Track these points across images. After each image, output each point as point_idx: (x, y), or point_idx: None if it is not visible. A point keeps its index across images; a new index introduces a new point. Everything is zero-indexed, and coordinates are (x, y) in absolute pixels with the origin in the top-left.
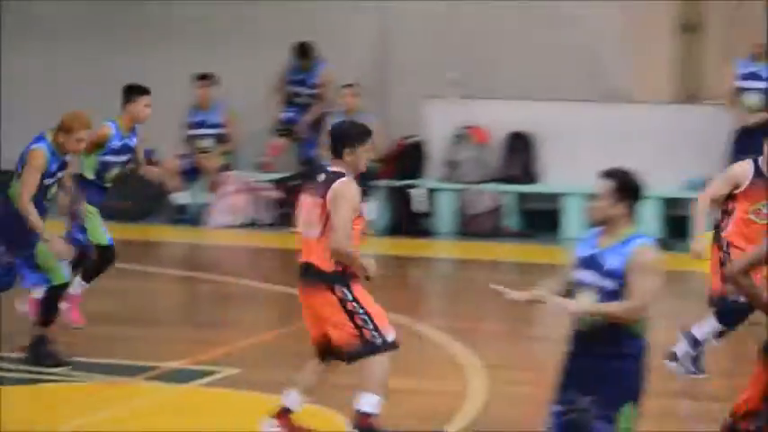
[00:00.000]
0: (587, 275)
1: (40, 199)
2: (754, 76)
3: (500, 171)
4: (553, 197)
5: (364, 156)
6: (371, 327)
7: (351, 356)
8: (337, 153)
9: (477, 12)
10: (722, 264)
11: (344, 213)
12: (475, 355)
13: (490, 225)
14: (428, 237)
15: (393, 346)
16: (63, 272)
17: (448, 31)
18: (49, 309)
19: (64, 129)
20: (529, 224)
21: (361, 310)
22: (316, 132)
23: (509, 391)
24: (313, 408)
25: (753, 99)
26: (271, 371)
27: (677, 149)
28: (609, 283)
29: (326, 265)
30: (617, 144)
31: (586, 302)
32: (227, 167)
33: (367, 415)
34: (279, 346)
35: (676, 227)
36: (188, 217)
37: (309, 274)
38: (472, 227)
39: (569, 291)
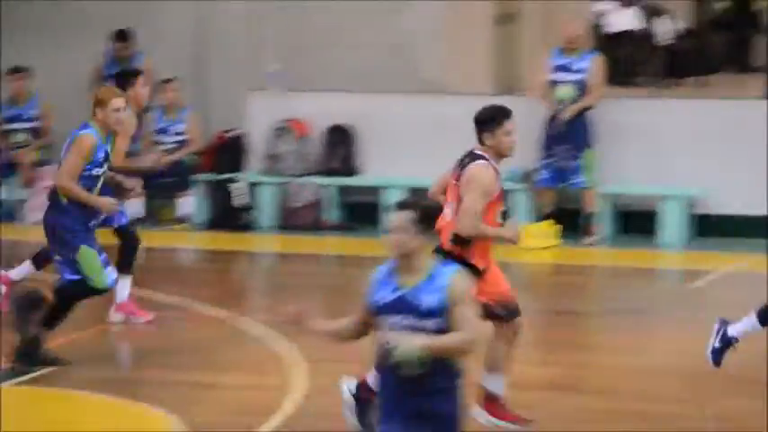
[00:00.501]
0: (400, 320)
1: (91, 191)
2: (565, 69)
3: (321, 164)
4: (373, 190)
5: (505, 139)
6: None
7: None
8: (479, 138)
9: (299, 5)
10: None
11: (474, 199)
12: (296, 349)
13: (311, 218)
14: (249, 231)
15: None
16: (106, 277)
17: (270, 24)
18: (65, 310)
19: (99, 104)
20: (350, 217)
21: None
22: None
23: (330, 385)
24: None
25: (564, 91)
26: (85, 369)
27: None
28: (430, 324)
29: (448, 247)
30: (436, 136)
31: (426, 340)
32: (43, 162)
33: (494, 396)
34: (93, 344)
35: None
36: (3, 213)
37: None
38: (293, 220)
39: (381, 341)
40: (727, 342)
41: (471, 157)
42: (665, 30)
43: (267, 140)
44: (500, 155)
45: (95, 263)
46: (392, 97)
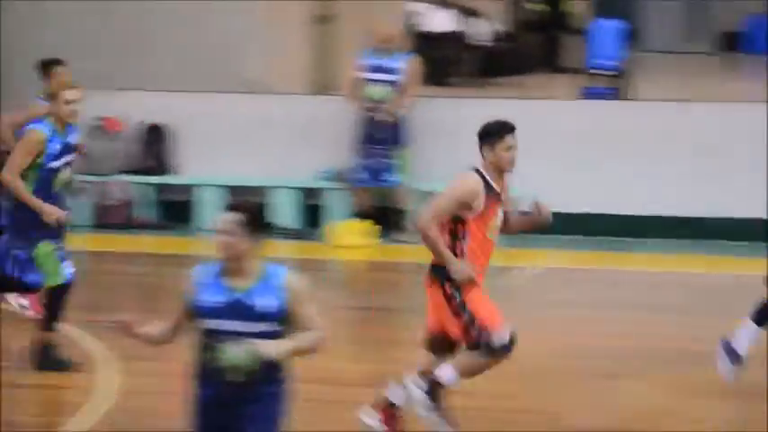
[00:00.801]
0: (231, 325)
1: (48, 186)
2: (379, 69)
3: (135, 162)
4: (188, 188)
5: (504, 154)
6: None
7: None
8: (480, 152)
9: (116, 5)
10: None
11: (440, 199)
12: (107, 347)
13: (124, 217)
14: None
15: (501, 351)
16: (63, 272)
17: (86, 23)
18: (55, 311)
19: (51, 97)
20: (164, 215)
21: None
22: None
23: (141, 383)
24: None
25: (378, 91)
26: None
27: (311, 140)
28: (264, 327)
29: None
30: (254, 135)
31: (278, 345)
32: None
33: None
34: None
35: (311, 216)
36: None
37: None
38: (106, 218)
39: (207, 344)
40: (738, 360)
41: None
42: (481, 31)
43: (81, 138)
44: (499, 170)
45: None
46: (211, 96)
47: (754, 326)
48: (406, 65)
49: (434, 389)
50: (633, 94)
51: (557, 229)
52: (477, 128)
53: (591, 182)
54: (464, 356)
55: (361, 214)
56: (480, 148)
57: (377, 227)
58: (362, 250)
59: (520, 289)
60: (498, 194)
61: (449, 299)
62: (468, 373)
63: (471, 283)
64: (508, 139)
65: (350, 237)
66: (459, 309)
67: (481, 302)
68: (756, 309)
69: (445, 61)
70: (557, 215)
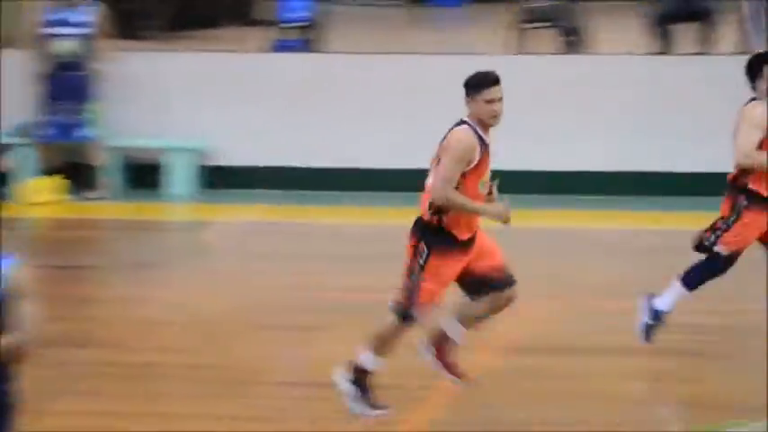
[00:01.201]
0: None
1: None
2: (64, 23)
3: None
4: None
5: (485, 107)
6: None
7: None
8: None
9: None
10: None
11: (447, 167)
12: None
13: None
14: None
15: (411, 320)
16: None
17: None
18: None
19: None
20: None
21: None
22: None
23: None
24: None
25: (63, 45)
26: None
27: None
28: None
29: (426, 217)
30: None
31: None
32: None
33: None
34: None
35: None
36: None
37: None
38: None
39: None
40: (658, 318)
41: (458, 122)
42: None
43: None
44: (482, 123)
45: None
46: None
47: (680, 285)
48: (93, 17)
49: (359, 376)
50: (325, 46)
51: (250, 183)
52: (172, 81)
53: (283, 134)
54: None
55: (51, 171)
56: (465, 99)
57: (67, 183)
58: (52, 207)
59: (213, 243)
60: (487, 145)
61: (414, 254)
62: (381, 344)
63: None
64: (488, 92)
65: (39, 194)
66: (413, 270)
67: (437, 278)
68: (687, 271)
69: (135, 13)
70: (248, 168)
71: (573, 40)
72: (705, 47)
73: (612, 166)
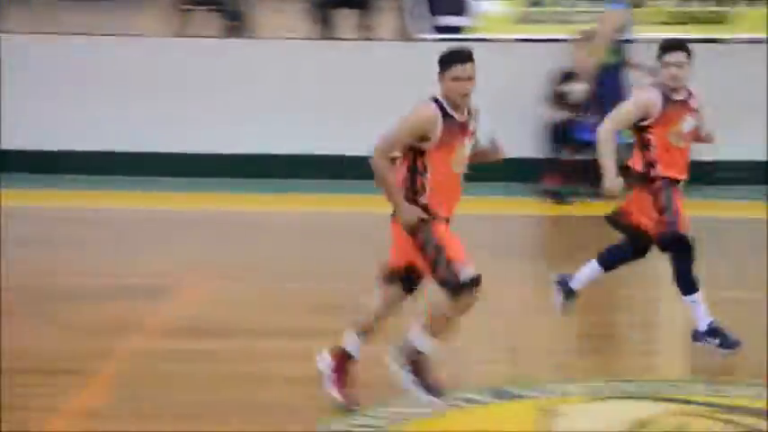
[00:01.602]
0: None
1: None
2: None
3: None
4: None
5: (451, 84)
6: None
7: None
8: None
9: None
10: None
11: (392, 130)
12: None
13: None
14: None
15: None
16: None
17: None
18: None
19: None
20: None
21: None
22: None
23: None
24: None
25: None
26: None
27: None
28: None
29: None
30: None
31: None
32: None
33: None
34: None
35: None
36: None
37: None
38: None
39: None
40: (571, 294)
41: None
42: None
43: None
44: (452, 101)
45: None
46: None
47: (596, 265)
48: None
49: (416, 362)
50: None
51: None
52: None
53: None
54: (431, 312)
55: None
56: (438, 75)
57: None
58: None
59: None
60: (461, 124)
61: (415, 233)
62: (438, 328)
63: (421, 224)
64: (455, 69)
65: None
66: (425, 243)
67: (448, 236)
68: (604, 252)
69: None
70: None
71: (236, 24)
72: (364, 32)
73: (274, 149)
